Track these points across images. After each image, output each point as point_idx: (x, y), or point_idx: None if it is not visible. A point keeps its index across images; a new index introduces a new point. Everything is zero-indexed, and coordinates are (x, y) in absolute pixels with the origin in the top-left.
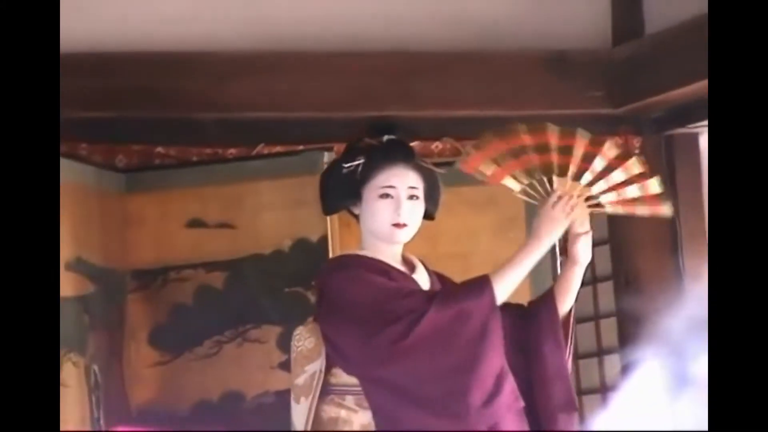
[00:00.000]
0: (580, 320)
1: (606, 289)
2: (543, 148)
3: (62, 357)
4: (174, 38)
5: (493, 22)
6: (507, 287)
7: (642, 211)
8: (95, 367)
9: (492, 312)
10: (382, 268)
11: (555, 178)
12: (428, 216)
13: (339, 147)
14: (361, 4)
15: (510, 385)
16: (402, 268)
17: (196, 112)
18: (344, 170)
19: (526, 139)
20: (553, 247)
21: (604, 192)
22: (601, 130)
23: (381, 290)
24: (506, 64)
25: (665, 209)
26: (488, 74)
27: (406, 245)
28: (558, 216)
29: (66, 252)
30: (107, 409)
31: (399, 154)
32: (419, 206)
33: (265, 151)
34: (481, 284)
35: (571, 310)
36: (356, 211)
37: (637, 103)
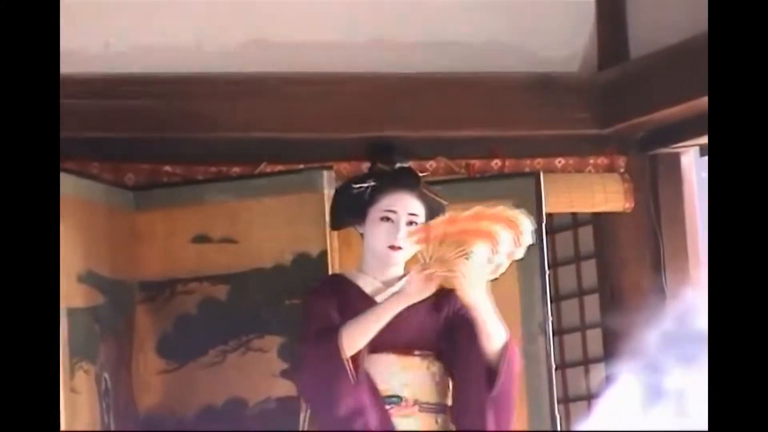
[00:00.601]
0: (567, 330)
1: (592, 302)
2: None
3: (74, 365)
4: (181, 62)
5: (484, 47)
6: (358, 339)
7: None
8: (105, 375)
9: (337, 359)
10: (342, 294)
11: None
12: None
13: (338, 166)
14: (357, 30)
15: (360, 425)
16: (379, 287)
17: (202, 132)
18: (354, 191)
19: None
20: (543, 270)
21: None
22: (587, 149)
23: (315, 320)
24: (497, 87)
25: None
26: (480, 97)
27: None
28: (417, 281)
29: (77, 265)
30: (116, 415)
31: (405, 181)
32: None
33: (268, 170)
34: (329, 334)
35: (506, 344)
36: (360, 230)
37: (623, 124)
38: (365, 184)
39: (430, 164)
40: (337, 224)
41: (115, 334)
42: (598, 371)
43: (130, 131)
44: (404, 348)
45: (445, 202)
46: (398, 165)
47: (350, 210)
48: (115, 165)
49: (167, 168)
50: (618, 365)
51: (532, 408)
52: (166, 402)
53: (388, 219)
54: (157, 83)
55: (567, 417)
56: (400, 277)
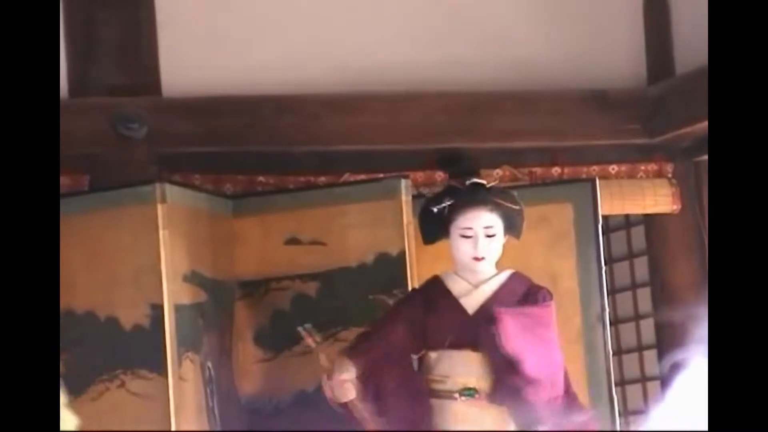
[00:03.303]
0: (622, 320)
1: (644, 294)
2: None
3: (181, 355)
4: (272, 83)
5: (543, 66)
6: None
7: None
8: (209, 364)
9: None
10: (430, 295)
11: None
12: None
13: (414, 175)
14: (429, 53)
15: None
16: (469, 288)
17: (292, 146)
18: (434, 211)
19: None
20: (600, 266)
21: None
22: (638, 157)
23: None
24: (554, 101)
25: None
26: (539, 111)
27: None
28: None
29: (183, 266)
30: (220, 399)
31: (477, 197)
32: (496, 241)
33: (351, 179)
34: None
35: None
36: (449, 242)
37: (670, 134)
38: (442, 204)
39: (497, 172)
40: (427, 241)
41: (218, 327)
42: (650, 357)
43: (227, 146)
44: (474, 344)
45: (518, 207)
46: (469, 182)
47: (435, 227)
48: (215, 176)
49: (261, 178)
50: (670, 352)
51: (592, 390)
52: (264, 387)
53: (467, 236)
54: (251, 103)
55: (623, 398)
56: (491, 277)
